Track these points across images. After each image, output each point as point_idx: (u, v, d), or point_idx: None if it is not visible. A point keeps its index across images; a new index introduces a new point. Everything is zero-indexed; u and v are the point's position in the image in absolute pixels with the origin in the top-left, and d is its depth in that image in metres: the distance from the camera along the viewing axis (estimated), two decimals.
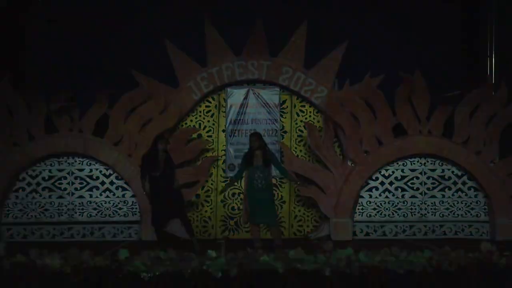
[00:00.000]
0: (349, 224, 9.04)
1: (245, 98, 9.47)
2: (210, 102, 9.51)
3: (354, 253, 5.84)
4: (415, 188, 9.28)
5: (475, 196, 9.27)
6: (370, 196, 9.25)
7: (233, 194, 9.42)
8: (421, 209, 9.27)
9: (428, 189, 9.28)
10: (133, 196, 9.10)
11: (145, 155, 8.08)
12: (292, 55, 9.33)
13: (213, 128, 9.49)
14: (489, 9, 9.45)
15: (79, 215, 9.07)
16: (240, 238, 9.18)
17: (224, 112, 9.48)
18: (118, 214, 9.11)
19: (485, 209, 9.25)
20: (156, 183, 7.73)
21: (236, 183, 8.98)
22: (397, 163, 9.25)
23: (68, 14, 9.27)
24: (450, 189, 9.28)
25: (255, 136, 7.89)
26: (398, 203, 9.26)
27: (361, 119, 9.14)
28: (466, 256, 5.90)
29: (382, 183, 9.25)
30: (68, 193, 9.13)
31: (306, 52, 9.33)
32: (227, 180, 9.35)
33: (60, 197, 9.11)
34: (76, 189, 9.10)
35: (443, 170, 9.28)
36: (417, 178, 9.28)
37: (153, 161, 7.76)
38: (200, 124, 9.46)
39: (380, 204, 9.25)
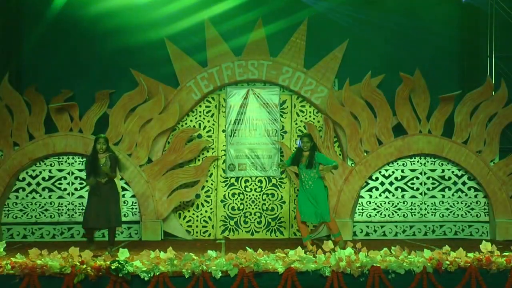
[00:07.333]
0: (349, 224, 9.04)
1: (245, 98, 9.47)
2: (210, 102, 9.51)
3: (354, 253, 5.85)
4: (415, 188, 9.28)
5: (475, 196, 9.27)
6: (370, 196, 9.25)
7: (233, 194, 9.42)
8: (421, 209, 9.27)
9: (428, 189, 9.28)
10: (133, 196, 9.10)
11: (88, 158, 7.43)
12: (292, 55, 9.34)
13: (213, 128, 9.49)
14: (490, 9, 9.42)
15: (79, 215, 9.06)
16: (240, 238, 9.19)
17: (224, 112, 9.48)
18: None
19: (485, 209, 9.25)
20: (96, 188, 7.17)
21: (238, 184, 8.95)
22: (397, 163, 9.25)
23: (67, 14, 9.25)
24: (450, 189, 9.27)
25: (307, 138, 7.53)
26: (398, 203, 9.26)
27: (361, 119, 9.15)
28: (466, 256, 5.91)
29: (382, 183, 9.25)
30: (68, 193, 9.13)
31: (306, 52, 9.33)
32: (227, 181, 9.38)
33: (60, 197, 9.11)
34: (76, 189, 9.10)
35: (443, 170, 9.28)
36: (417, 178, 9.28)
37: (94, 164, 7.19)
38: (200, 124, 9.46)
39: (380, 204, 9.25)
